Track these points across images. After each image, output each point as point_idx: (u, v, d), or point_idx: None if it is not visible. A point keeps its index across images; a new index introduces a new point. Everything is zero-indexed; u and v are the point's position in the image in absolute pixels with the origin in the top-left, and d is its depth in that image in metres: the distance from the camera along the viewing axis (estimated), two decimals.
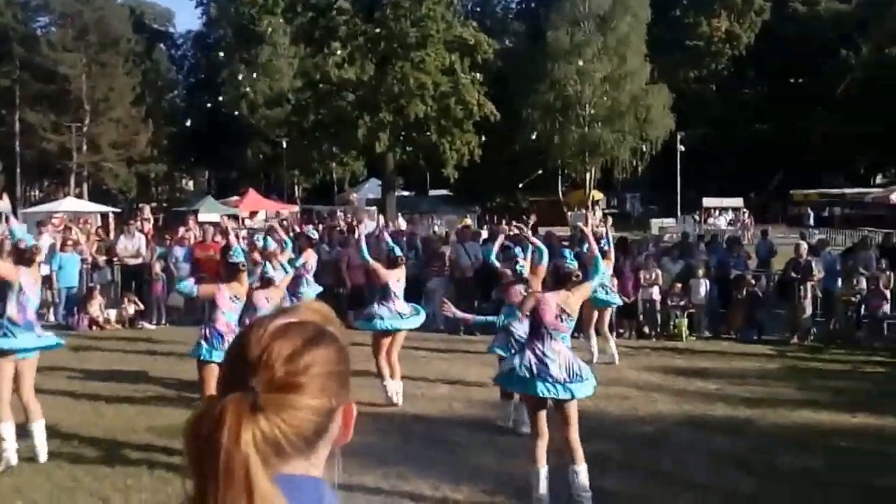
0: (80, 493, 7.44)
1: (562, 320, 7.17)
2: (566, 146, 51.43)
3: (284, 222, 30.26)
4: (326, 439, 1.38)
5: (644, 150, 52.61)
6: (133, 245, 19.04)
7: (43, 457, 8.24)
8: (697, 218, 49.67)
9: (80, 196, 51.21)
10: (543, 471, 7.03)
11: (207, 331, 8.92)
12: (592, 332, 13.65)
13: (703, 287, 16.60)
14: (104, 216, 37.64)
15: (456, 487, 7.53)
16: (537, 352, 7.04)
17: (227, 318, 8.87)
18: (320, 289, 13.70)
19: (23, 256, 8.27)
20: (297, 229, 23.58)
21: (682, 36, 62.14)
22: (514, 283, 10.12)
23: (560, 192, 57.98)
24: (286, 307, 1.48)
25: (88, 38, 56.84)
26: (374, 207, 47.10)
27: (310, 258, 13.99)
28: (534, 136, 50.87)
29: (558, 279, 7.37)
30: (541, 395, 6.96)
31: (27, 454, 8.25)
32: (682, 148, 52.19)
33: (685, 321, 16.34)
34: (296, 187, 63.23)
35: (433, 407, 10.66)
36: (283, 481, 1.26)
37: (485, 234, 21.07)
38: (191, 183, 77.56)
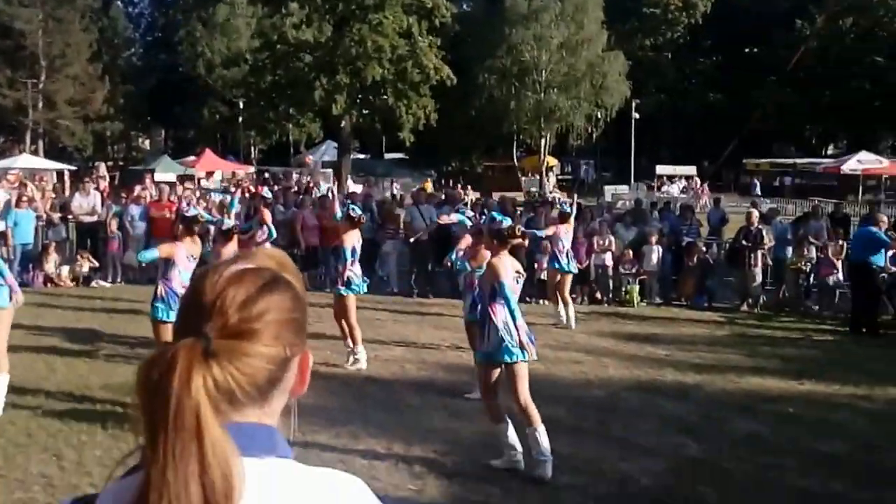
0: (33, 449, 7.45)
1: (517, 281, 7.26)
2: (522, 111, 51.43)
3: (241, 182, 30.09)
4: (281, 389, 1.34)
5: (599, 116, 52.77)
6: (88, 203, 18.89)
7: None
8: (651, 185, 49.97)
9: (35, 153, 50.34)
10: (510, 426, 7.11)
11: (163, 289, 9.07)
12: (559, 297, 13.97)
13: (655, 254, 16.75)
14: (60, 173, 37.14)
15: (408, 447, 7.60)
16: (501, 316, 7.04)
17: (183, 278, 8.91)
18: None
19: None
20: (253, 190, 23.53)
21: (638, 3, 62.14)
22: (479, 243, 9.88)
23: (515, 158, 57.98)
24: (242, 253, 1.46)
25: None
26: (329, 170, 46.93)
27: (267, 219, 14.05)
28: (489, 101, 50.87)
29: (502, 239, 7.33)
30: (506, 360, 7.02)
31: None
32: (637, 115, 52.40)
33: (637, 287, 16.49)
34: (252, 148, 62.69)
35: (386, 369, 10.72)
36: (235, 429, 1.23)
37: (442, 196, 21.13)
38: (147, 142, 76.40)
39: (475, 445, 7.71)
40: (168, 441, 1.16)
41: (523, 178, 52.70)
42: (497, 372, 7.11)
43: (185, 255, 9.14)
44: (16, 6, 54.23)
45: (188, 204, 14.11)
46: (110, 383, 9.57)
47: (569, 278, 14.18)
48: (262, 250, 1.46)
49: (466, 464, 7.30)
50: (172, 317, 8.53)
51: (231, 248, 10.41)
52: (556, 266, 13.92)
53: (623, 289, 16.60)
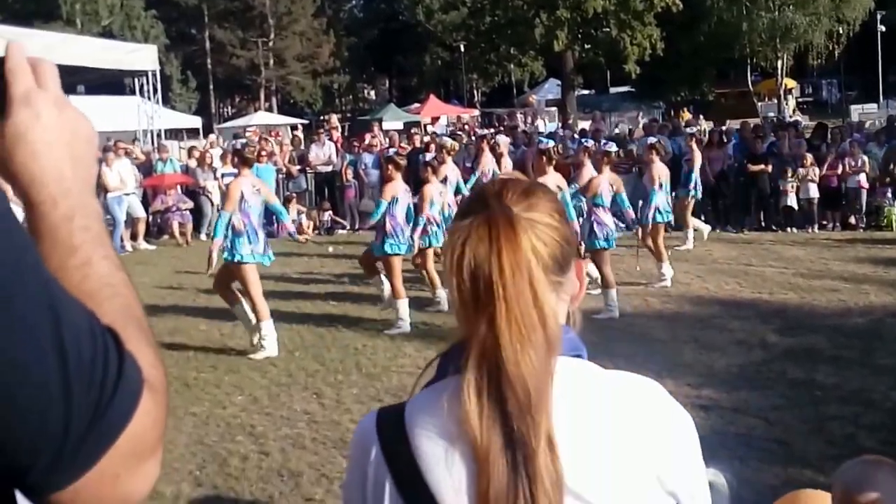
0: (295, 388, 7.78)
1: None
2: (755, 33, 49.10)
3: (466, 126, 30.30)
4: (569, 278, 1.39)
5: (840, 32, 49.73)
6: (324, 153, 19.45)
7: (272, 351, 8.79)
8: None
9: (269, 110, 52.60)
10: None
11: (390, 226, 9.65)
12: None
13: None
14: (293, 128, 38.61)
15: (659, 380, 6.68)
16: None
17: (403, 213, 9.76)
18: None
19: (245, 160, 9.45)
20: (478, 132, 23.58)
21: None
22: None
23: (749, 83, 55.55)
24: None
25: None
26: (553, 108, 46.56)
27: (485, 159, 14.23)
28: (719, 24, 48.86)
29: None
30: None
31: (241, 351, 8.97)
32: (883, 28, 48.97)
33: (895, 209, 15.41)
34: (475, 91, 63.07)
35: (628, 303, 10.46)
36: None
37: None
38: (372, 92, 78.35)
39: (730, 378, 7.51)
40: (506, 307, 1.21)
41: (759, 104, 50.50)
42: None
43: (403, 190, 9.93)
44: None
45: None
46: (360, 325, 9.92)
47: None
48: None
49: (723, 396, 7.06)
50: (398, 249, 9.58)
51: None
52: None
53: (881, 212, 15.52)
